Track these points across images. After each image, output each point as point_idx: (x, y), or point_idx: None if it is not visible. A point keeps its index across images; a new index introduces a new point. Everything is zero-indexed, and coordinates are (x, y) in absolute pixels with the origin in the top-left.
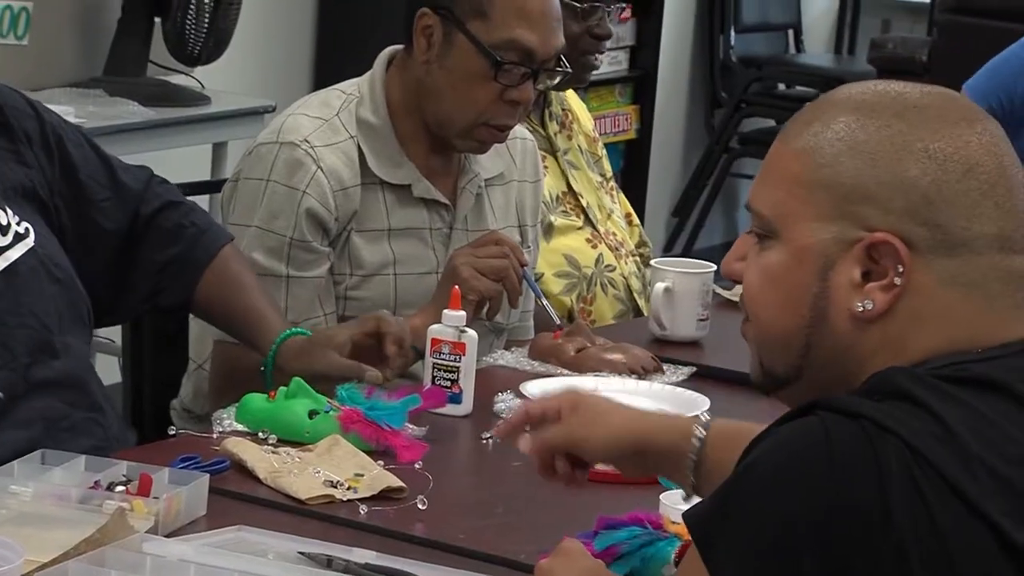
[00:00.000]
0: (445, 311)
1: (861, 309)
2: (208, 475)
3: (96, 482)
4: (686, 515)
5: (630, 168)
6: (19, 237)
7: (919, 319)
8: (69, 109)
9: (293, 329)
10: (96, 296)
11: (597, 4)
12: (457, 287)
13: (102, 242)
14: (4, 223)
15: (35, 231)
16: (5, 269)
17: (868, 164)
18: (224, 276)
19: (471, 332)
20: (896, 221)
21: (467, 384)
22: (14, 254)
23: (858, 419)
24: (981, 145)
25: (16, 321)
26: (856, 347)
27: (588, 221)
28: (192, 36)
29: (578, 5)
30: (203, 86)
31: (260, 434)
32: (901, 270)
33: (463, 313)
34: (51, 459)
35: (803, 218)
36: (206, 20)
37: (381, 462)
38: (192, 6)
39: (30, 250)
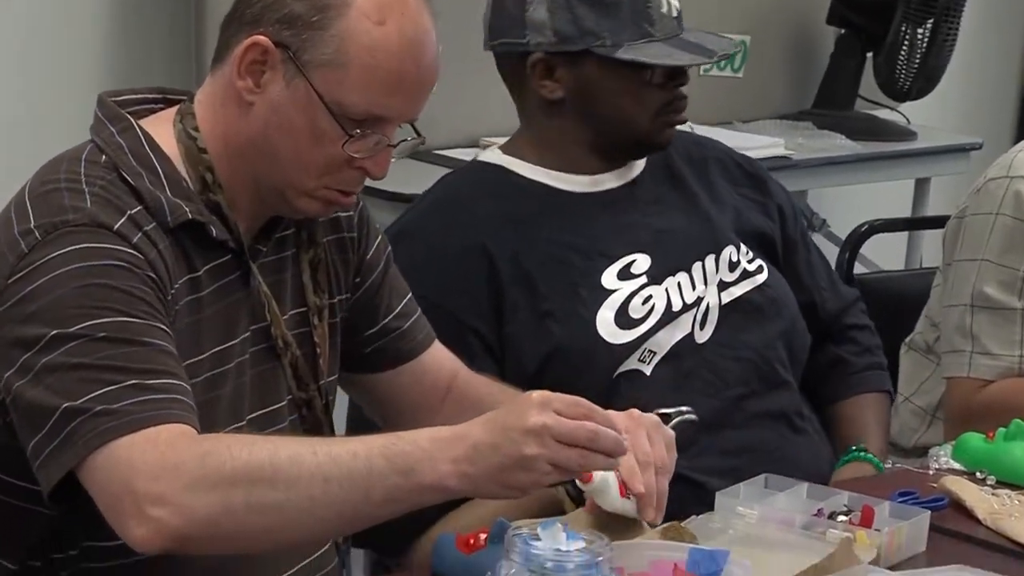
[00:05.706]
0: None
1: None
2: (928, 511)
3: (819, 510)
4: None
5: None
6: (747, 275)
7: None
8: (779, 140)
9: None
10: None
11: None
12: None
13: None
14: (734, 260)
15: (768, 271)
16: (728, 304)
17: None
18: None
19: None
20: None
21: None
22: (738, 290)
23: None
24: None
25: (732, 354)
26: None
27: None
28: (903, 72)
29: None
30: (909, 121)
31: (978, 474)
32: None
33: None
34: (773, 484)
35: None
36: (918, 56)
37: None
38: (906, 43)
39: (757, 287)
